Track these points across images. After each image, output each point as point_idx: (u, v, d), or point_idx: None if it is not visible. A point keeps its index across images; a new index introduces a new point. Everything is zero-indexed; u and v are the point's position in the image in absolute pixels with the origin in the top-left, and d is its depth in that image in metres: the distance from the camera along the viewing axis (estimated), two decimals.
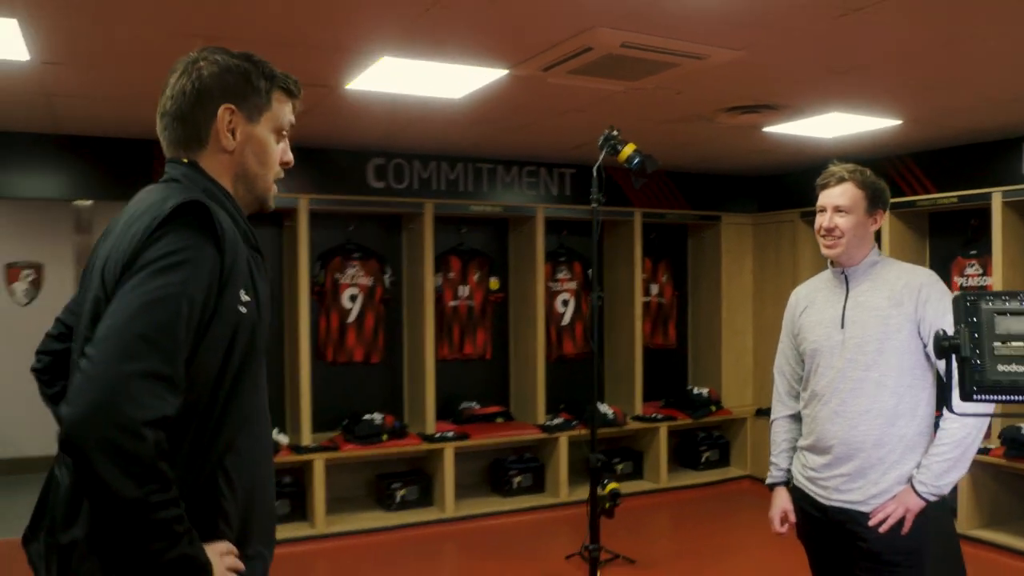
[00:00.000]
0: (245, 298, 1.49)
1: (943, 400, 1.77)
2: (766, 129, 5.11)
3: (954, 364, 1.60)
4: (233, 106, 1.58)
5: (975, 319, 1.60)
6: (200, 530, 1.42)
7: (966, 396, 1.60)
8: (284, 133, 1.67)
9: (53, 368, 1.73)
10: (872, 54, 3.59)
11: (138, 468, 1.29)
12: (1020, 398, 1.59)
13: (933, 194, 5.69)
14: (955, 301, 1.62)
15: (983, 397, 1.59)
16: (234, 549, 1.50)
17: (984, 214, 5.38)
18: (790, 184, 7.06)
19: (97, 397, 1.29)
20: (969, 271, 5.69)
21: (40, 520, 1.54)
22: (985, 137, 5.45)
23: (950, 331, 1.58)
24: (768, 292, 7.03)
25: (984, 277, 5.61)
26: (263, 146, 1.62)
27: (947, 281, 5.58)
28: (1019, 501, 5.47)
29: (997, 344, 1.59)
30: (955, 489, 5.25)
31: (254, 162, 1.62)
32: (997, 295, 1.61)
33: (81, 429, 1.28)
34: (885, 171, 6.09)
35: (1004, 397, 1.58)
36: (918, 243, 5.98)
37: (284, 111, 1.66)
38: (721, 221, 7.17)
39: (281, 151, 1.67)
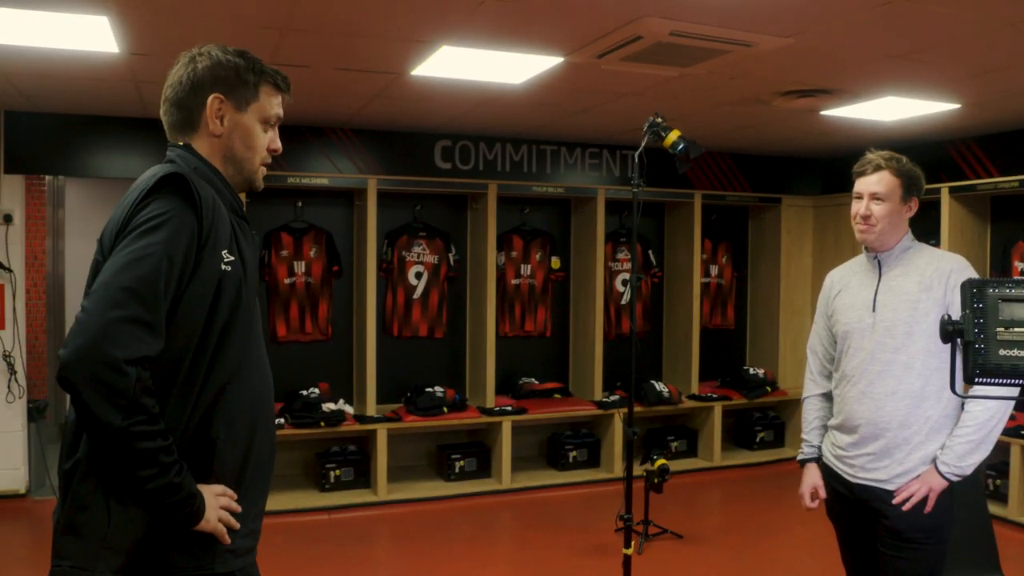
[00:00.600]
0: (229, 258, 1.68)
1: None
2: (824, 112, 5.12)
3: (958, 348, 1.70)
4: (222, 96, 1.76)
5: (980, 304, 1.68)
6: (196, 468, 1.62)
7: (968, 379, 1.69)
8: (272, 123, 1.84)
9: None
10: (925, 39, 3.60)
11: (123, 401, 1.49)
12: (1020, 382, 1.68)
13: (995, 178, 5.60)
14: (962, 287, 1.70)
15: (985, 380, 1.68)
16: (230, 491, 1.68)
17: None
18: (852, 166, 6.98)
19: (86, 339, 1.49)
20: None
21: None
22: None
23: None
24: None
25: None
26: (249, 132, 1.80)
27: (1008, 266, 5.51)
28: None
29: (1000, 329, 1.67)
30: (999, 471, 5.23)
31: (240, 146, 1.80)
32: (1003, 282, 1.68)
33: (72, 367, 1.49)
34: (947, 153, 6.01)
35: (1005, 381, 1.68)
36: (979, 227, 5.89)
37: (272, 103, 1.82)
38: (782, 203, 7.17)
39: (269, 139, 1.84)
